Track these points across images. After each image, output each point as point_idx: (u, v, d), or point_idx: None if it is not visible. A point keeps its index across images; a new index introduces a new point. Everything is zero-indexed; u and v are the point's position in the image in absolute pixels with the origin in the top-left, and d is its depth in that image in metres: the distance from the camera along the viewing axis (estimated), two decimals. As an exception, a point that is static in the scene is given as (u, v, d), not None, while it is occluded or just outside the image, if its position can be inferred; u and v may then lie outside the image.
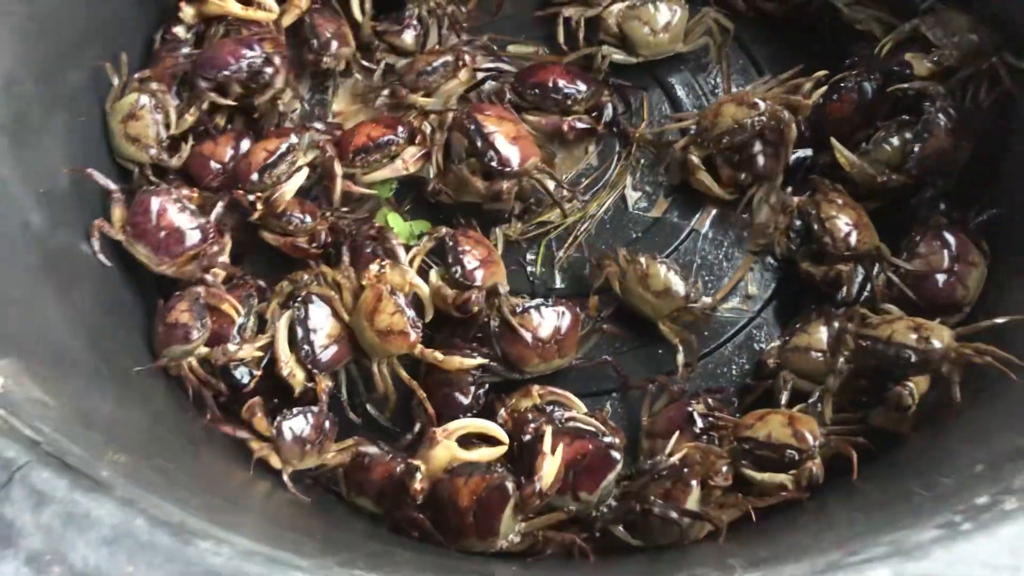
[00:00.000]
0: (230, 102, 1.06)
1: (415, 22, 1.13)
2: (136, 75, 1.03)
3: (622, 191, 1.09)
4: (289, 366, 0.93)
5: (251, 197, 0.99)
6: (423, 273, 0.98)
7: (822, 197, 1.01)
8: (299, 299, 0.95)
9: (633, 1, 1.09)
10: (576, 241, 1.06)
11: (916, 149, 0.99)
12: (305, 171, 1.01)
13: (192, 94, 1.05)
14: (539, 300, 0.98)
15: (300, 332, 0.93)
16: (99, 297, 0.90)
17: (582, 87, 1.07)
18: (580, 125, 1.07)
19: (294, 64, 1.11)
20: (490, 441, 0.88)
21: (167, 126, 1.03)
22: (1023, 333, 0.84)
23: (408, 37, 1.13)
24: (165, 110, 1.02)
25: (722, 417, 0.91)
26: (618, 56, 1.10)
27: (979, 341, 0.85)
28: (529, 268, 1.06)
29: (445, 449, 0.85)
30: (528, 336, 0.95)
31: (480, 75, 1.10)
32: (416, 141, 1.06)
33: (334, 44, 1.11)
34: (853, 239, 0.97)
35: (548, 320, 0.96)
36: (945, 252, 0.95)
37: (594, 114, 1.08)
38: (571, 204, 1.07)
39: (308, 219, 1.00)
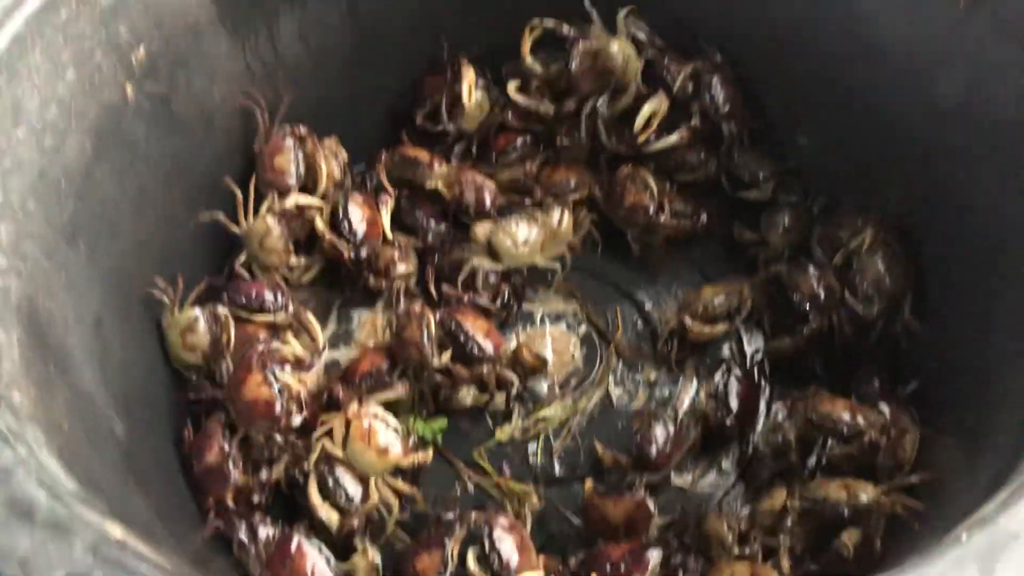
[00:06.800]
0: None
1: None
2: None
3: (606, 389, 1.27)
4: (325, 511, 1.08)
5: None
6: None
7: (807, 403, 1.14)
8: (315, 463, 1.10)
9: (500, 221, 1.30)
10: (569, 433, 1.23)
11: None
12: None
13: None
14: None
15: (331, 482, 1.09)
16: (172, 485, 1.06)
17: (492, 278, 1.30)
18: (480, 302, 1.27)
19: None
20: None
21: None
22: (939, 490, 1.01)
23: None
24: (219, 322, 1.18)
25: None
26: (487, 264, 1.29)
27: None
28: (531, 459, 1.21)
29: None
30: None
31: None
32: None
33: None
34: (861, 421, 1.11)
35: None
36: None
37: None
38: (564, 401, 1.25)
39: None
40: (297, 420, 1.11)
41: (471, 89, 1.35)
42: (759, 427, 1.20)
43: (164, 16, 1.11)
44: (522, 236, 1.29)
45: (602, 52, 1.30)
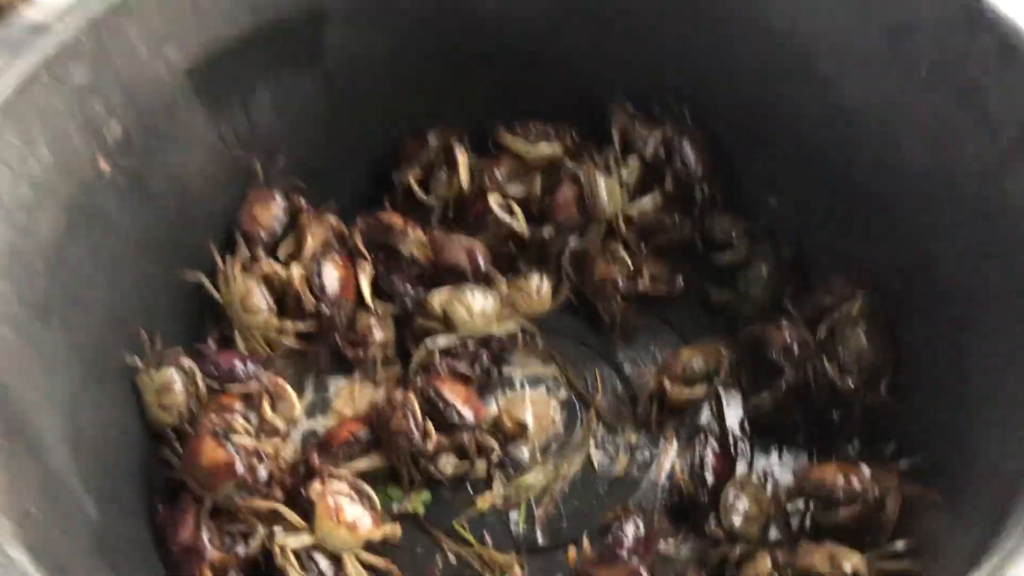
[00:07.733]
0: None
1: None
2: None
3: (587, 453, 1.26)
4: None
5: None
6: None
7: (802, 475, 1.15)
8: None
9: (455, 290, 1.29)
10: (552, 500, 1.22)
11: None
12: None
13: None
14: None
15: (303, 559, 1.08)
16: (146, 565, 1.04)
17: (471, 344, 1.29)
18: (459, 368, 1.27)
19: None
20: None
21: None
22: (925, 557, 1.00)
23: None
24: (195, 383, 1.18)
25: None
26: (442, 341, 1.28)
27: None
28: (513, 528, 1.19)
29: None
30: None
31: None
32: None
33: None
34: (856, 484, 1.10)
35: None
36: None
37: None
38: (545, 467, 1.24)
39: None
40: (263, 473, 1.10)
41: (466, 172, 1.36)
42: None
43: (139, 93, 1.11)
44: (477, 306, 1.29)
45: (591, 188, 1.32)
